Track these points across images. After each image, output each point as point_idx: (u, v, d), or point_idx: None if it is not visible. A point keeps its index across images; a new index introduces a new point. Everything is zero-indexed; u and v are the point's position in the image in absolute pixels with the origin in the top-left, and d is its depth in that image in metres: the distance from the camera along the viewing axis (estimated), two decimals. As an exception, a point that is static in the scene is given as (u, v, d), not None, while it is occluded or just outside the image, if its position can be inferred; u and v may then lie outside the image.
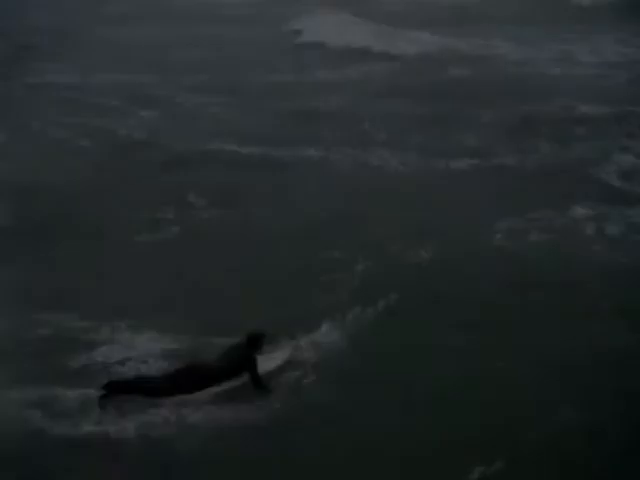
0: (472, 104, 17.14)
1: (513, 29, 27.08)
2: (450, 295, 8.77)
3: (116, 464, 6.12)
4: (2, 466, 6.09)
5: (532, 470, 5.97)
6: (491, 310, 8.44)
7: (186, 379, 6.81)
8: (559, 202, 11.58)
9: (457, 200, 11.99)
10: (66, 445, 6.26)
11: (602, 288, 9.01)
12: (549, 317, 8.32)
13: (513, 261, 9.72)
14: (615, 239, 10.57)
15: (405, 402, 6.88)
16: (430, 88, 18.85)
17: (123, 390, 6.76)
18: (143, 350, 7.60)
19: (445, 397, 6.94)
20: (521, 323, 8.18)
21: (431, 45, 25.61)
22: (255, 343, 7.16)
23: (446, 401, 6.87)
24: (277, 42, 27.12)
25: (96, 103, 18.35)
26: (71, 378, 7.08)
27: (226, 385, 6.99)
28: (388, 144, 14.61)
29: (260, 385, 7.01)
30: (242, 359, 7.01)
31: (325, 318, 8.09)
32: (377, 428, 6.52)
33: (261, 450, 6.24)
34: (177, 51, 24.85)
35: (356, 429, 6.53)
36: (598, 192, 12.11)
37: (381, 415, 6.69)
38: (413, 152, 14.16)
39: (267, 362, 7.23)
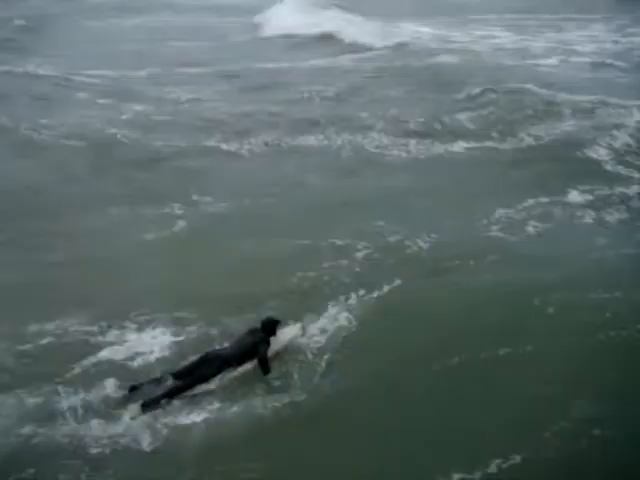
0: (464, 90, 17.00)
1: (512, 18, 27.12)
2: (450, 287, 8.54)
3: (125, 466, 5.87)
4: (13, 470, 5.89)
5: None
6: (492, 300, 8.19)
7: (204, 368, 6.84)
8: (556, 184, 11.55)
9: (455, 186, 11.85)
10: (74, 448, 6.03)
11: (604, 281, 8.66)
12: (553, 311, 7.99)
13: (512, 252, 9.45)
14: (614, 224, 10.44)
15: (411, 392, 6.71)
16: (422, 75, 18.78)
17: (149, 398, 6.61)
18: (152, 345, 7.39)
19: (450, 387, 6.77)
20: (520, 318, 7.91)
21: (426, 35, 25.54)
22: (269, 329, 7.26)
23: (451, 391, 6.70)
24: (260, 32, 27.02)
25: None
26: (79, 380, 6.82)
27: (241, 369, 7.00)
28: (386, 130, 14.52)
29: (265, 369, 7.03)
30: (256, 344, 7.10)
31: (330, 302, 8.02)
32: (385, 422, 6.34)
33: (269, 444, 6.09)
34: (161, 43, 24.57)
35: (362, 422, 6.35)
36: (593, 172, 12.19)
37: (390, 408, 6.52)
38: (412, 137, 14.09)
39: (273, 343, 7.28)
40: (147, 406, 6.49)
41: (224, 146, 13.98)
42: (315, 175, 12.50)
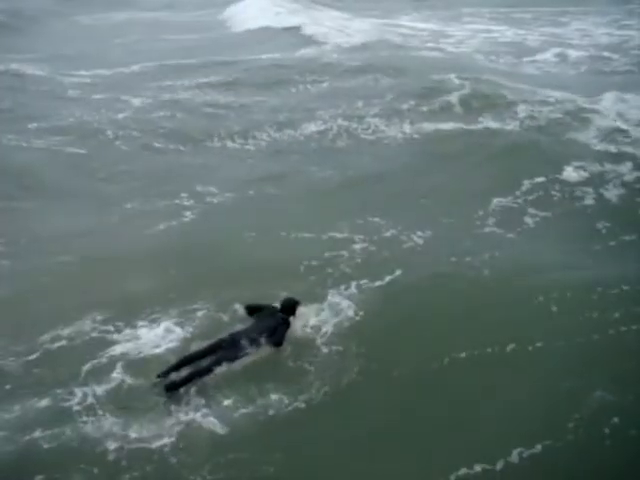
0: (450, 77, 16.93)
1: (508, 11, 27.20)
2: (450, 281, 8.33)
3: (142, 468, 5.64)
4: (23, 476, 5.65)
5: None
6: (494, 296, 8.01)
7: (225, 350, 6.81)
8: (550, 163, 11.52)
9: (449, 173, 11.76)
10: (88, 450, 5.79)
11: (609, 274, 8.43)
12: (557, 306, 7.78)
13: (511, 248, 9.21)
14: (613, 202, 10.37)
15: (426, 384, 6.60)
16: (408, 67, 18.77)
17: (171, 381, 6.51)
18: (166, 337, 7.20)
19: (462, 380, 6.63)
20: (525, 313, 7.69)
21: (415, 29, 25.57)
22: (289, 309, 7.31)
23: (463, 384, 6.57)
24: (233, 27, 27.05)
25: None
26: (93, 382, 6.56)
27: (262, 351, 6.96)
28: (380, 115, 14.68)
29: (279, 344, 7.05)
30: (275, 327, 7.09)
31: (334, 292, 7.91)
32: (402, 416, 6.21)
33: (285, 443, 5.94)
34: (147, 38, 24.37)
35: (379, 417, 6.20)
36: (583, 152, 12.16)
37: (407, 401, 6.39)
38: (406, 120, 14.26)
39: (293, 324, 7.31)
40: (170, 389, 6.37)
41: (226, 138, 13.87)
42: (314, 164, 12.40)
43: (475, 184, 11.15)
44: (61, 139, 13.70)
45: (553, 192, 10.74)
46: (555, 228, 9.78)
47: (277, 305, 7.42)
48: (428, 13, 28.12)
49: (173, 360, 6.75)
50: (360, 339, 7.08)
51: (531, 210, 10.19)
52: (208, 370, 6.62)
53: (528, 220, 9.96)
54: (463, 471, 5.45)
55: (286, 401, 6.25)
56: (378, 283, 8.08)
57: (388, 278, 8.17)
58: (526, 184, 10.89)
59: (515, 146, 12.67)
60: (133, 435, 5.88)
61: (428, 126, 13.88)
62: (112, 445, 5.77)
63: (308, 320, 7.33)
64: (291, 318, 7.25)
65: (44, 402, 6.24)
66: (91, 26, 28.15)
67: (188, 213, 10.40)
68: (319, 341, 7.06)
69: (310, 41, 23.48)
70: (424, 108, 14.90)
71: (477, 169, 11.78)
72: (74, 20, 29.09)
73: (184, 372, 6.58)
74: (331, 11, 29.76)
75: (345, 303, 7.64)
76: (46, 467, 5.59)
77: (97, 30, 27.25)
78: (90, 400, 6.27)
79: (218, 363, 6.67)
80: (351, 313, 7.47)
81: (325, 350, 6.92)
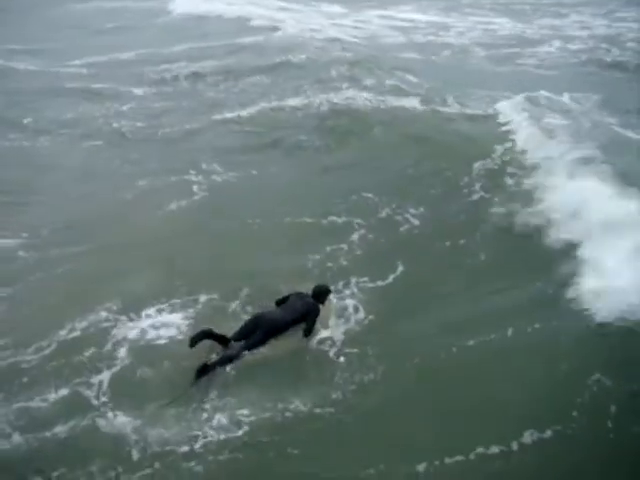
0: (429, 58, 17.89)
1: (503, 3, 27.23)
2: (450, 270, 8.45)
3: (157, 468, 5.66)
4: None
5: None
6: (493, 286, 8.08)
7: (256, 333, 6.87)
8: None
9: (424, 142, 12.11)
10: (103, 446, 5.82)
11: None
12: (553, 292, 7.81)
13: (501, 221, 9.34)
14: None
15: (436, 376, 6.70)
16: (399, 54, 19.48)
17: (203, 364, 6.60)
18: (179, 325, 7.31)
19: (472, 369, 6.72)
20: (526, 304, 7.73)
21: (418, 23, 25.55)
22: (320, 297, 7.41)
23: (473, 373, 6.67)
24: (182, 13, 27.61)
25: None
26: (105, 375, 6.62)
27: (290, 333, 7.12)
28: (351, 87, 15.81)
29: (308, 333, 7.16)
30: (306, 310, 7.21)
31: (337, 288, 7.98)
32: (416, 405, 6.33)
33: (301, 448, 5.93)
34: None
35: (391, 408, 6.30)
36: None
37: (419, 394, 6.49)
38: (370, 93, 15.24)
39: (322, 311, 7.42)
40: (201, 373, 6.47)
41: (226, 114, 14.51)
42: (306, 134, 13.11)
43: (453, 152, 11.43)
44: (68, 132, 13.78)
45: (529, 161, 10.76)
46: (543, 195, 9.63)
47: (305, 292, 7.49)
48: (426, 4, 28.04)
49: (187, 350, 6.77)
50: (373, 340, 7.11)
51: (510, 169, 10.46)
52: (237, 356, 6.69)
53: (509, 181, 10.17)
54: (480, 450, 5.63)
55: (309, 405, 6.25)
56: (380, 283, 8.13)
57: (391, 276, 8.23)
58: (499, 149, 11.14)
59: (482, 120, 13.00)
60: (151, 431, 5.88)
61: (388, 95, 14.82)
62: (131, 440, 5.78)
63: (327, 315, 7.36)
64: (320, 306, 7.33)
65: (61, 394, 6.30)
66: (55, 17, 27.81)
67: (195, 188, 10.72)
68: (335, 348, 7.06)
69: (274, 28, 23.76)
70: (383, 82, 15.83)
71: (451, 142, 12.01)
72: (41, 12, 28.68)
73: (214, 357, 6.69)
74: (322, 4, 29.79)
75: (352, 303, 7.67)
76: (64, 461, 5.63)
77: (63, 21, 26.98)
78: (107, 392, 6.33)
79: (248, 348, 6.75)
80: (361, 315, 7.51)
81: (342, 357, 6.92)
